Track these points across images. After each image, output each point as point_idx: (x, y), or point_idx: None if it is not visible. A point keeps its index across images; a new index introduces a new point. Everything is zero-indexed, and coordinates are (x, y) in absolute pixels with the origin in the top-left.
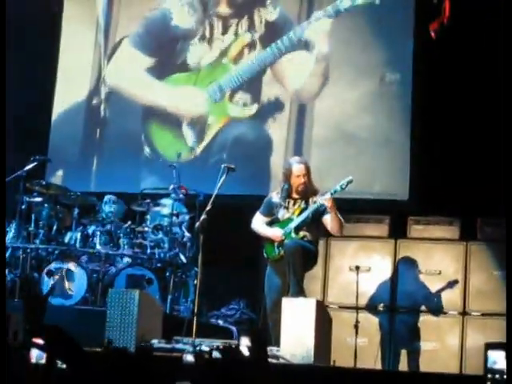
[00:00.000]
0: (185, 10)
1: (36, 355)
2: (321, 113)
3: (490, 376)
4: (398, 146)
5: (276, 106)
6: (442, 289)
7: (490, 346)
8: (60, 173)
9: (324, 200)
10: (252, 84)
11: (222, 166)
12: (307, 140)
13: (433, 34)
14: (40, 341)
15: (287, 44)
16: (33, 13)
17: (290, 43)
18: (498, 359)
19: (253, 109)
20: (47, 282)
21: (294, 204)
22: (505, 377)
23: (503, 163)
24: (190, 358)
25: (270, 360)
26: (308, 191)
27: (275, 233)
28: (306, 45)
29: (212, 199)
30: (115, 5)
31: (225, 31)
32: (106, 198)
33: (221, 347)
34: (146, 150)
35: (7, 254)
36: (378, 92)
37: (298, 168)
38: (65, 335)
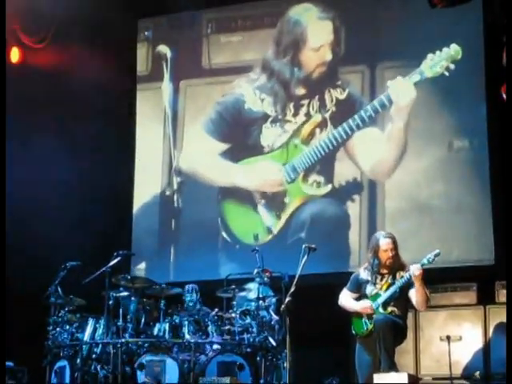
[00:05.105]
0: (257, 94)
1: None
2: (391, 185)
3: None
4: (472, 211)
5: (350, 185)
6: None
7: None
8: (142, 265)
9: (412, 273)
10: (325, 164)
11: (303, 246)
12: (380, 214)
13: (505, 97)
14: None
15: (359, 122)
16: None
17: (361, 121)
18: None
19: (327, 188)
20: (140, 376)
21: (382, 279)
22: None
23: None
24: None
25: None
26: (396, 265)
27: (364, 305)
28: (377, 121)
29: (295, 280)
30: (181, 97)
31: (296, 112)
32: (187, 287)
33: None
34: (223, 234)
35: (98, 351)
36: (447, 159)
37: (385, 242)
38: None
